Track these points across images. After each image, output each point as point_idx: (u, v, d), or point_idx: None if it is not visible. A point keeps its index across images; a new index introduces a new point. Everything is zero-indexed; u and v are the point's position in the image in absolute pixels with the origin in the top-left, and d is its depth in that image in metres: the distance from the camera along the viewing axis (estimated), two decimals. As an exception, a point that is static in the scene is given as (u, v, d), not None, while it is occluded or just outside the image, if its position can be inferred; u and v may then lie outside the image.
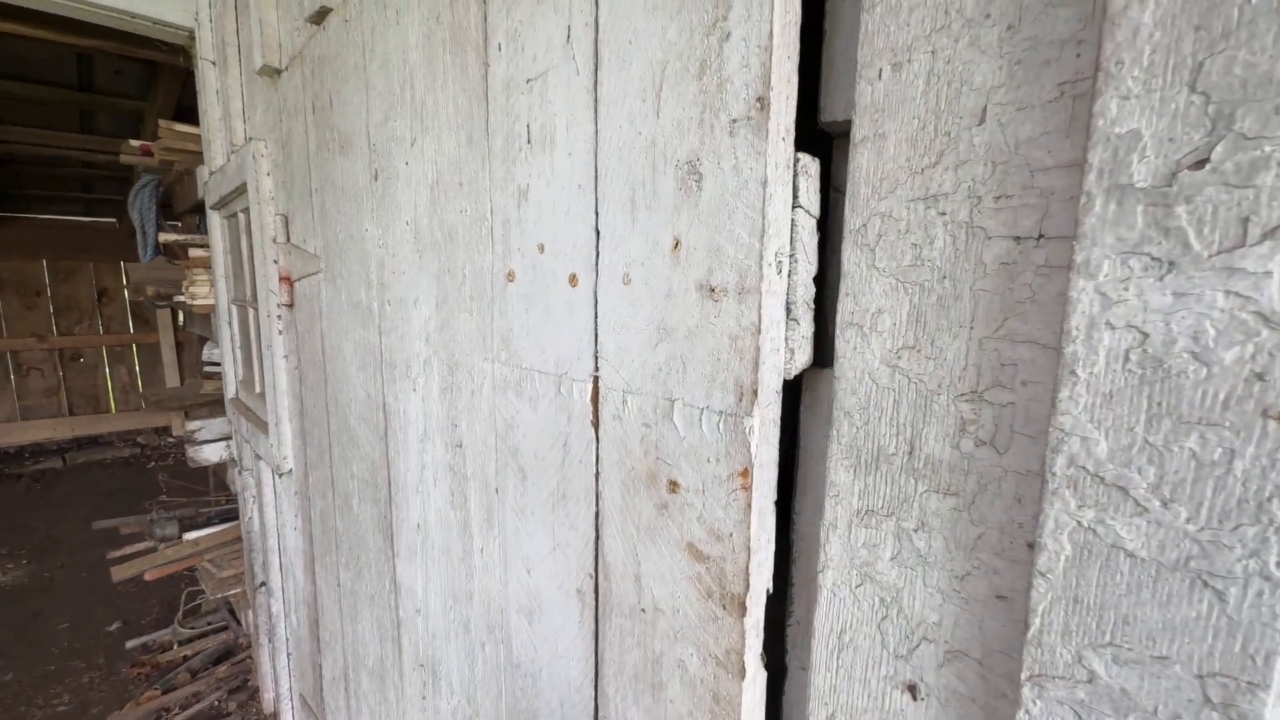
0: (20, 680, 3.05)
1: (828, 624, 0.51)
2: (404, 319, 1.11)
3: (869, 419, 0.47)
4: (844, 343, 0.49)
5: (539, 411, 0.79)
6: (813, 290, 0.54)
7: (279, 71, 1.57)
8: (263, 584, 2.33)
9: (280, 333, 1.76)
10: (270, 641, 2.34)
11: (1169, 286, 0.31)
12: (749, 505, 0.52)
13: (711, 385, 0.55)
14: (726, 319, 0.53)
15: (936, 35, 0.41)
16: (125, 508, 5.11)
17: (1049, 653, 0.36)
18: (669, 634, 0.62)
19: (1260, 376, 0.29)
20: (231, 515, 3.20)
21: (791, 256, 0.52)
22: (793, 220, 0.52)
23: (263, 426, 2.05)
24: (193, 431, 2.87)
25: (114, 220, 7.16)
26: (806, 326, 0.54)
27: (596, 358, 0.68)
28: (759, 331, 0.50)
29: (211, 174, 2.34)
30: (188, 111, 3.27)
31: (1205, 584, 0.31)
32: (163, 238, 2.85)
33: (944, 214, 0.42)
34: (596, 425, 0.69)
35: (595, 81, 0.64)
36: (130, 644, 3.24)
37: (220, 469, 3.69)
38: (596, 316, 0.67)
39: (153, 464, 6.71)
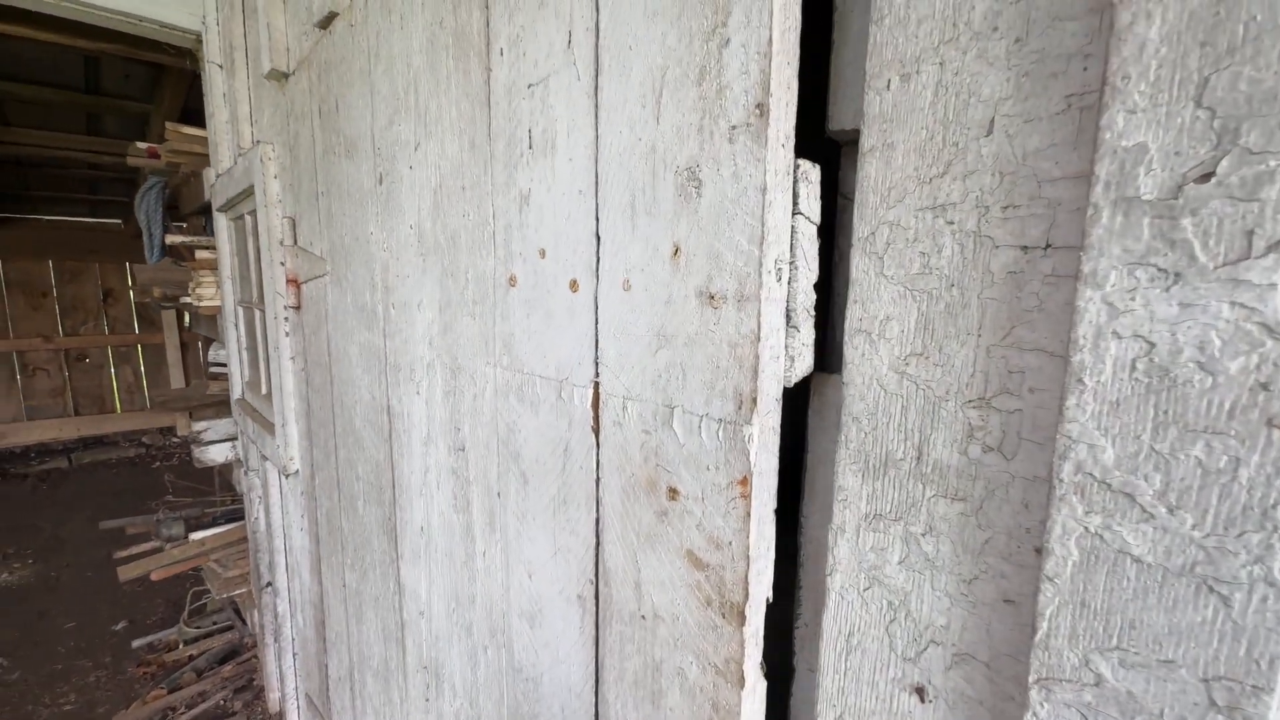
0: (27, 679, 3.07)
1: (836, 626, 0.52)
2: (408, 322, 1.12)
3: (877, 424, 0.48)
4: (852, 349, 0.49)
5: (540, 416, 0.79)
6: (813, 297, 0.54)
7: (287, 75, 1.58)
8: (269, 584, 2.34)
9: (287, 335, 1.77)
10: (276, 641, 2.35)
11: (1175, 297, 0.32)
12: (748, 514, 0.52)
13: (711, 393, 0.55)
14: (726, 326, 0.53)
15: (944, 47, 0.42)
16: (130, 507, 5.13)
17: (1056, 656, 0.37)
18: (669, 641, 0.62)
19: (1265, 386, 0.29)
20: (237, 515, 3.22)
21: (792, 264, 0.52)
22: (793, 227, 0.52)
23: (269, 427, 2.06)
24: (199, 432, 2.88)
25: (119, 221, 7.20)
26: (807, 334, 0.54)
27: (597, 363, 0.68)
28: (758, 339, 0.50)
29: (218, 176, 2.36)
30: (193, 114, 3.29)
31: (1211, 589, 0.32)
32: (169, 239, 2.87)
33: (952, 223, 0.42)
34: (597, 431, 0.69)
35: (596, 87, 0.64)
36: (136, 643, 3.26)
37: (226, 469, 3.70)
38: (597, 322, 0.67)
39: (157, 464, 6.74)
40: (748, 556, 0.53)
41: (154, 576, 2.72)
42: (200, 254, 2.76)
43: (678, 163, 0.56)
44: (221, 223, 2.46)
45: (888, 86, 0.45)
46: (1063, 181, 0.37)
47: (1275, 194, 0.29)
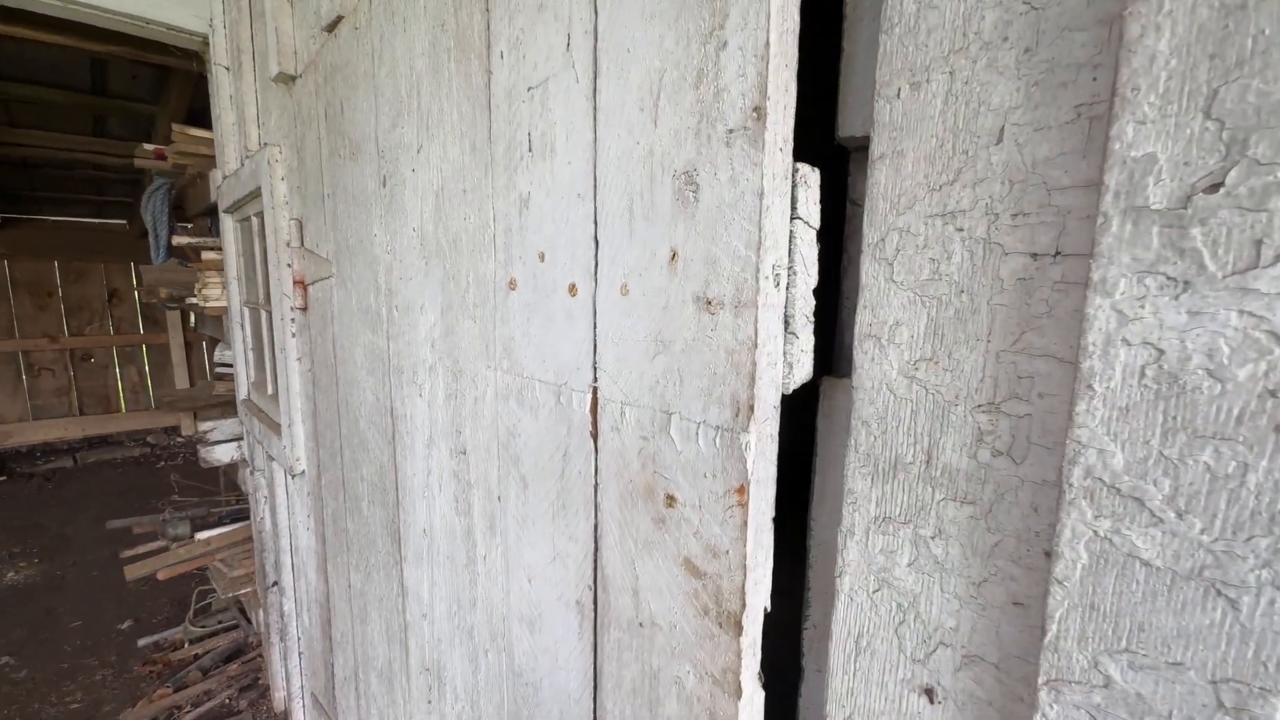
0: (34, 677, 3.09)
1: (845, 628, 0.52)
2: (410, 325, 1.12)
3: (886, 428, 0.48)
4: (861, 354, 0.50)
5: (539, 421, 0.78)
6: (813, 303, 0.54)
7: (294, 78, 1.59)
8: (275, 583, 2.35)
9: (293, 335, 1.78)
10: (282, 640, 2.37)
11: (1184, 305, 0.32)
12: (745, 522, 0.52)
13: (708, 399, 0.54)
14: (723, 332, 0.52)
15: (954, 57, 0.42)
16: (135, 507, 5.16)
17: (1065, 658, 0.37)
18: (666, 650, 0.61)
19: (1273, 393, 0.30)
20: (242, 515, 3.23)
21: (790, 269, 0.52)
22: (791, 232, 0.51)
23: (275, 428, 2.07)
24: (205, 432, 2.90)
25: (124, 222, 7.23)
26: (806, 340, 0.53)
27: (595, 368, 0.68)
28: (755, 346, 0.50)
29: (225, 178, 2.37)
30: (199, 115, 3.31)
31: (1219, 593, 0.32)
32: (176, 240, 2.89)
33: (961, 230, 0.43)
34: (595, 436, 0.69)
35: (594, 90, 0.63)
36: (142, 642, 3.28)
37: (231, 469, 3.72)
38: (595, 327, 0.67)
39: (162, 464, 6.76)
40: (744, 566, 0.52)
41: (160, 576, 2.74)
42: (206, 255, 2.77)
43: (675, 166, 0.55)
44: (227, 224, 2.47)
45: (898, 95, 0.46)
46: (1072, 190, 0.38)
47: (1283, 205, 0.29)
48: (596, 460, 0.69)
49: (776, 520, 0.56)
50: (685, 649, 0.59)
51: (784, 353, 0.53)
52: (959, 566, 0.45)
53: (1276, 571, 0.30)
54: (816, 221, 0.53)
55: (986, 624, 0.43)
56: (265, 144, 1.82)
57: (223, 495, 3.81)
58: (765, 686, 0.57)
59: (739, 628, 0.53)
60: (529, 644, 0.86)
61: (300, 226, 1.66)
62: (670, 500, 0.59)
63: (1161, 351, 0.33)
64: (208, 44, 2.38)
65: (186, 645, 3.21)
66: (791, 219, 0.52)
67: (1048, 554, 0.40)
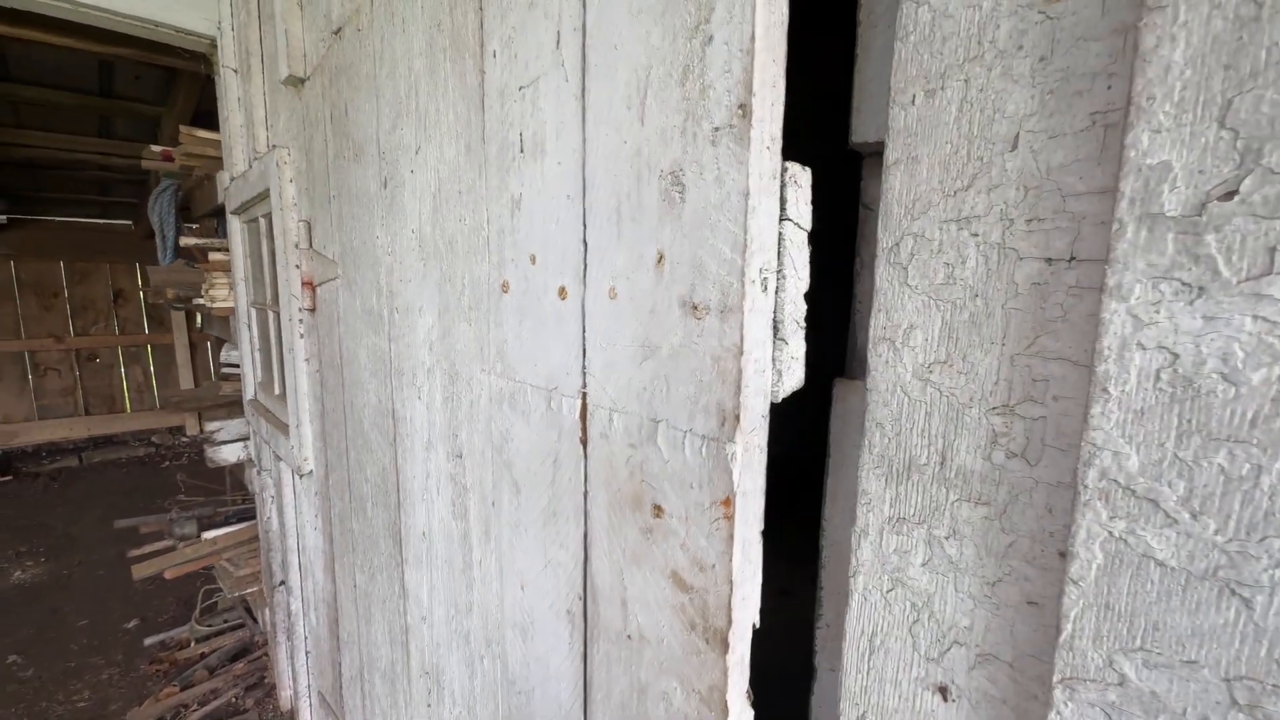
0: (41, 676, 3.10)
1: (859, 627, 0.53)
2: (410, 327, 1.12)
3: (900, 430, 0.49)
4: (876, 356, 0.50)
5: (531, 426, 0.77)
6: (804, 308, 0.52)
7: (303, 81, 1.60)
8: (282, 582, 2.36)
9: (302, 336, 1.79)
10: (289, 639, 2.38)
11: (1199, 310, 0.33)
12: (731, 536, 0.50)
13: (694, 408, 0.53)
14: (709, 338, 0.50)
15: (970, 64, 0.43)
16: (140, 506, 5.18)
17: (1080, 657, 0.38)
18: (654, 664, 0.60)
19: (1287, 397, 0.31)
20: (248, 514, 3.24)
21: (779, 272, 0.50)
22: (780, 234, 0.50)
23: (283, 428, 2.08)
24: (211, 432, 2.91)
25: (129, 223, 7.26)
26: (797, 346, 0.52)
27: (584, 373, 0.66)
28: (741, 352, 0.48)
29: (232, 180, 2.38)
30: (205, 116, 3.32)
31: (1233, 592, 0.33)
32: (183, 241, 2.90)
33: (976, 235, 0.44)
34: (585, 443, 0.67)
35: (583, 89, 0.62)
36: (148, 641, 3.29)
37: (237, 469, 3.74)
38: (584, 331, 0.65)
39: (167, 463, 6.79)
40: (731, 581, 0.51)
41: (167, 575, 2.75)
42: (213, 256, 2.79)
43: (661, 166, 0.54)
44: (235, 225, 2.48)
45: (913, 101, 0.46)
46: (1087, 196, 0.38)
47: (1297, 212, 0.30)
48: (586, 467, 0.67)
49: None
50: (673, 664, 0.57)
51: (773, 359, 0.51)
52: (973, 566, 0.45)
53: (1290, 571, 0.31)
54: (808, 223, 0.52)
55: (1001, 623, 0.44)
56: (274, 146, 1.83)
57: (228, 495, 3.83)
58: (755, 705, 0.55)
59: (725, 645, 0.52)
60: (522, 652, 0.85)
61: (309, 228, 1.67)
62: (658, 510, 0.57)
63: (1176, 355, 0.34)
64: (215, 47, 2.40)
65: (193, 644, 3.22)
66: (781, 220, 0.50)
67: (1062, 554, 0.40)
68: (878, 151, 0.53)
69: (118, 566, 4.11)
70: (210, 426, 2.94)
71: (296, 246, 1.70)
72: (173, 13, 2.31)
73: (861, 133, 0.54)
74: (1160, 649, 0.35)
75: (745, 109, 0.46)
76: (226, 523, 3.17)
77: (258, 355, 2.55)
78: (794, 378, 0.52)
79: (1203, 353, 0.33)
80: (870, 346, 0.51)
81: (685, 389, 0.54)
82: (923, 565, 0.48)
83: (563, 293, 0.68)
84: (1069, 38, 0.38)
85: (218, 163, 2.80)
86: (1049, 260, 0.40)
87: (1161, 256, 0.34)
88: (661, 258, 0.55)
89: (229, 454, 2.92)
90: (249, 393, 2.65)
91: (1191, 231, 0.33)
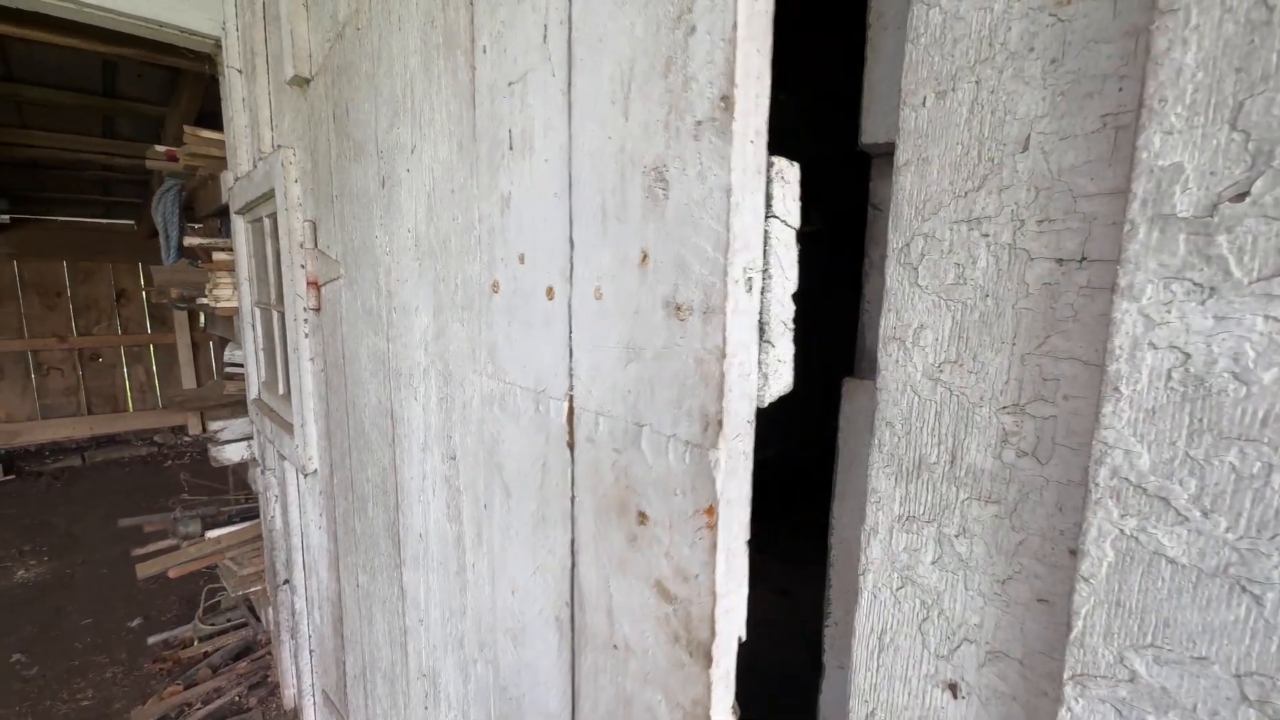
0: (45, 675, 3.11)
1: (868, 625, 0.53)
2: (407, 327, 1.11)
3: (910, 429, 0.49)
4: (886, 356, 0.51)
5: (520, 428, 0.76)
6: (791, 309, 0.51)
7: (308, 81, 1.60)
8: (285, 581, 2.37)
9: (306, 336, 1.80)
10: (292, 638, 2.38)
11: (1210, 310, 0.33)
12: (714, 545, 0.49)
13: (678, 412, 0.51)
14: (691, 340, 0.49)
15: (980, 66, 0.43)
16: (143, 505, 5.19)
17: (1091, 653, 0.38)
18: (639, 676, 0.58)
19: (1298, 396, 0.31)
20: (252, 514, 3.25)
21: (765, 272, 0.49)
22: (766, 232, 0.48)
23: (287, 427, 2.09)
24: (215, 431, 2.92)
25: (132, 222, 7.27)
26: (784, 349, 0.50)
27: (571, 376, 0.64)
28: (724, 355, 0.47)
29: (237, 180, 2.39)
30: (209, 116, 3.33)
31: (1243, 589, 0.33)
32: (187, 241, 2.91)
33: (987, 235, 0.44)
34: (572, 447, 0.65)
35: (569, 84, 0.61)
36: (151, 640, 3.30)
37: (240, 468, 3.74)
38: (571, 332, 0.64)
39: (169, 463, 6.80)
40: (714, 593, 0.49)
41: (171, 574, 2.76)
42: (217, 255, 2.79)
43: (645, 162, 0.52)
44: (239, 225, 2.49)
45: (923, 103, 0.47)
46: (1098, 197, 0.39)
47: (1309, 214, 0.30)
48: (573, 472, 0.66)
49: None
50: (657, 676, 0.56)
51: (758, 362, 0.50)
52: (983, 564, 0.46)
53: (1300, 568, 0.31)
54: (796, 221, 0.50)
55: (1011, 620, 0.44)
56: (279, 146, 1.84)
57: (231, 494, 3.84)
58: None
59: (709, 658, 0.50)
60: (513, 657, 0.84)
61: (314, 228, 1.68)
62: (642, 518, 0.56)
63: (1188, 355, 0.34)
64: (220, 47, 2.41)
65: (196, 643, 3.23)
66: (766, 218, 0.48)
67: (1073, 552, 0.41)
68: (888, 153, 0.54)
69: (121, 565, 4.12)
70: (213, 426, 2.95)
71: (301, 246, 1.71)
72: (177, 13, 2.31)
73: (871, 134, 0.55)
74: (1171, 645, 0.36)
75: (728, 101, 0.45)
76: (230, 522, 3.17)
77: (262, 355, 2.56)
78: (781, 381, 0.51)
79: (1214, 352, 0.33)
80: (880, 346, 0.51)
81: (669, 392, 0.52)
82: (933, 563, 0.49)
83: (550, 293, 0.67)
84: (1080, 40, 0.39)
85: (222, 163, 2.81)
86: (1060, 261, 0.41)
87: (1173, 257, 0.34)
88: (645, 257, 0.53)
89: (232, 453, 2.93)
90: (253, 392, 2.65)
91: (1203, 232, 0.33)
